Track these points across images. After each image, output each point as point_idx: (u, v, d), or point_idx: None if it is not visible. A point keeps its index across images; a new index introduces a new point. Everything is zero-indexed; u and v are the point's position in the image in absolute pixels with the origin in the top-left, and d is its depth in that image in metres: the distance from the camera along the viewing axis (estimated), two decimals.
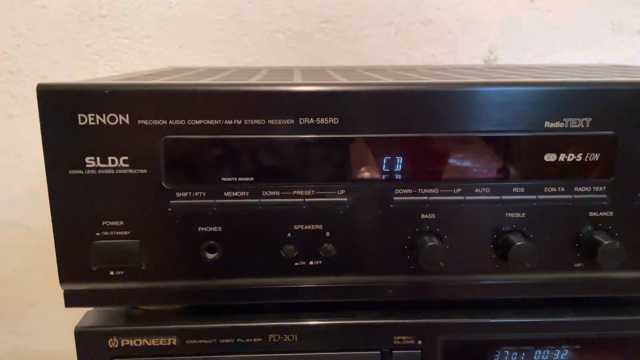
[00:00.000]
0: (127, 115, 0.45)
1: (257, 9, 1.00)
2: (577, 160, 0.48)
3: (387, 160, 0.48)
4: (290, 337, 0.52)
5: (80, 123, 0.45)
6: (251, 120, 0.46)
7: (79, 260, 0.48)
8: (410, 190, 0.49)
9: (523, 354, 0.54)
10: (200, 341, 0.51)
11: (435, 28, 1.05)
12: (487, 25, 1.04)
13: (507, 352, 0.54)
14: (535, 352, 0.54)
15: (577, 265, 0.51)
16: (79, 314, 0.53)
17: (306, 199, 0.48)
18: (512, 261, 0.49)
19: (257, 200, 0.48)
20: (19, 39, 0.96)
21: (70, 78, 0.91)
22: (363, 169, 0.48)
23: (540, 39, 1.05)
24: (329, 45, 1.03)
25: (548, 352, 0.54)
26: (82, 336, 0.50)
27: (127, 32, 1.02)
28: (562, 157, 0.48)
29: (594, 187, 0.49)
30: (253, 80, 0.51)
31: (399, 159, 0.48)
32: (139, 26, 1.01)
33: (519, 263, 0.49)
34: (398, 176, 0.49)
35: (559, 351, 0.54)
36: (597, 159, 0.48)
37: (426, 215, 0.49)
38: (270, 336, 0.51)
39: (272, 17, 1.01)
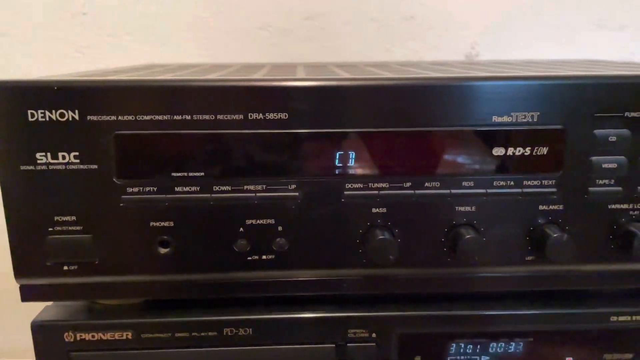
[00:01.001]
0: (76, 111, 0.46)
1: (240, 6, 1.00)
2: (525, 154, 0.49)
3: (337, 154, 0.49)
4: (245, 331, 0.52)
5: (30, 119, 0.46)
6: (200, 116, 0.47)
7: (34, 256, 0.49)
8: (360, 185, 0.49)
9: (478, 346, 0.54)
10: (156, 335, 0.52)
11: (417, 24, 1.05)
12: (469, 21, 1.04)
13: (462, 344, 0.54)
14: (490, 345, 0.54)
15: (529, 258, 0.51)
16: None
17: (257, 194, 0.49)
18: (461, 254, 0.49)
19: (208, 195, 0.48)
20: (1, 37, 0.97)
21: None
22: (313, 163, 0.49)
23: (523, 34, 1.05)
24: (310, 41, 1.04)
25: (503, 344, 0.54)
26: (39, 330, 0.51)
27: (109, 29, 1.02)
28: (510, 151, 0.49)
29: (543, 181, 0.50)
30: (220, 76, 0.52)
31: (349, 154, 0.49)
32: (121, 23, 1.01)
33: (468, 256, 0.49)
34: (348, 171, 0.49)
35: (513, 344, 0.54)
36: (545, 153, 0.49)
37: (377, 209, 0.50)
38: (225, 330, 0.52)
39: (254, 13, 1.01)
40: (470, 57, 1.08)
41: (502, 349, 0.54)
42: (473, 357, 0.55)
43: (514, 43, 1.05)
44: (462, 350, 0.54)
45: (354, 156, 0.49)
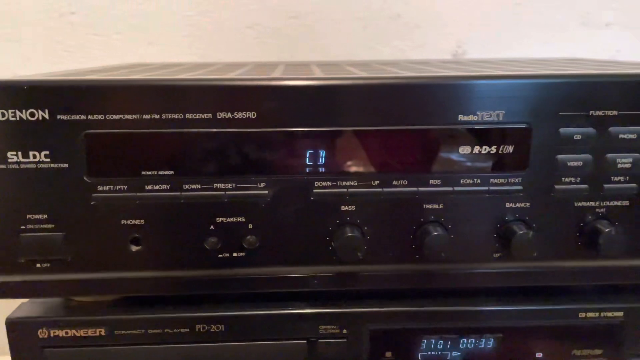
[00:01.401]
0: (46, 110, 0.47)
1: (227, 4, 1.01)
2: (491, 152, 0.49)
3: (306, 153, 0.49)
4: (217, 327, 0.53)
5: (0, 118, 0.46)
6: (169, 115, 0.47)
7: (7, 253, 0.49)
8: (329, 183, 0.50)
9: (449, 342, 0.55)
10: (129, 332, 0.52)
11: (403, 23, 1.05)
12: (455, 19, 1.05)
13: (433, 340, 0.55)
14: (461, 341, 0.55)
15: (496, 255, 0.52)
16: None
17: (227, 192, 0.49)
18: (428, 251, 0.50)
19: (178, 193, 0.49)
20: None
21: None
22: (282, 162, 0.49)
23: (508, 32, 1.05)
24: (298, 40, 1.04)
25: (473, 340, 0.55)
26: (13, 327, 0.52)
27: (97, 28, 1.03)
28: (476, 149, 0.49)
29: (509, 179, 0.50)
30: (197, 75, 0.52)
31: (318, 153, 0.49)
32: (108, 23, 1.02)
33: (434, 253, 0.50)
34: (317, 169, 0.50)
35: (483, 340, 0.55)
36: (511, 151, 0.49)
37: (346, 207, 0.51)
38: (198, 326, 0.53)
39: (241, 12, 1.02)
40: (456, 55, 1.09)
41: (472, 345, 0.55)
42: (444, 352, 0.55)
43: (501, 41, 1.06)
44: (433, 345, 0.55)
45: (322, 155, 0.49)
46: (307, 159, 0.49)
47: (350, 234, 0.49)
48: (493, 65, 0.65)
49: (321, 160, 0.49)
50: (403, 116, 0.49)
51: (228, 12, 1.02)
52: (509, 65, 0.64)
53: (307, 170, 0.50)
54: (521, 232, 0.50)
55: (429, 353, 0.55)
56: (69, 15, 1.03)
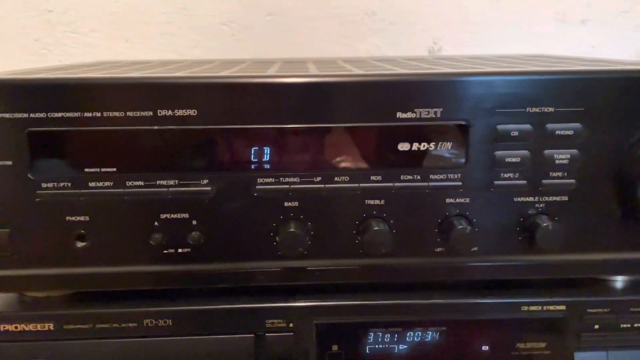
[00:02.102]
0: None
1: (203, 2, 1.01)
2: (430, 149, 0.50)
3: (247, 150, 0.50)
4: (165, 322, 0.54)
5: None
6: (110, 113, 0.48)
7: None
8: (272, 179, 0.51)
9: (395, 335, 0.56)
10: (77, 326, 0.53)
11: (379, 19, 1.06)
12: (431, 16, 1.05)
13: (380, 333, 0.56)
14: (407, 334, 0.56)
15: (438, 249, 0.53)
16: None
17: (170, 189, 0.50)
18: (369, 246, 0.51)
19: (122, 190, 0.50)
20: None
21: None
22: (224, 159, 0.50)
23: (484, 29, 1.06)
24: (274, 37, 1.05)
25: (420, 333, 0.56)
26: None
27: (74, 26, 1.03)
28: (415, 146, 0.50)
29: (449, 175, 0.51)
30: (131, 74, 0.53)
31: (260, 150, 0.50)
32: (85, 20, 1.02)
33: (376, 248, 0.51)
34: (259, 165, 0.50)
35: (430, 333, 0.56)
36: (449, 148, 0.50)
37: (289, 203, 0.51)
38: (146, 321, 0.53)
39: (217, 9, 1.02)
40: (432, 52, 1.10)
41: (419, 338, 0.56)
42: (391, 345, 0.56)
43: (476, 38, 1.07)
44: (380, 339, 0.56)
45: (264, 151, 0.50)
46: (250, 156, 0.50)
47: (292, 230, 0.50)
48: (455, 63, 0.66)
49: (263, 157, 0.50)
50: (343, 113, 0.50)
51: (204, 9, 1.03)
52: (468, 63, 0.64)
53: (250, 167, 0.50)
54: (460, 226, 0.50)
55: (377, 346, 0.56)
56: (47, 13, 1.03)
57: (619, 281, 0.59)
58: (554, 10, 1.06)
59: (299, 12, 1.04)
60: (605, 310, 0.55)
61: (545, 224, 0.50)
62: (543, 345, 0.56)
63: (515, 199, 0.52)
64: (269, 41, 1.05)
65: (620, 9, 1.06)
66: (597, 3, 1.06)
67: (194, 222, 0.51)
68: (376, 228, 0.50)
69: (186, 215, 0.51)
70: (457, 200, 0.52)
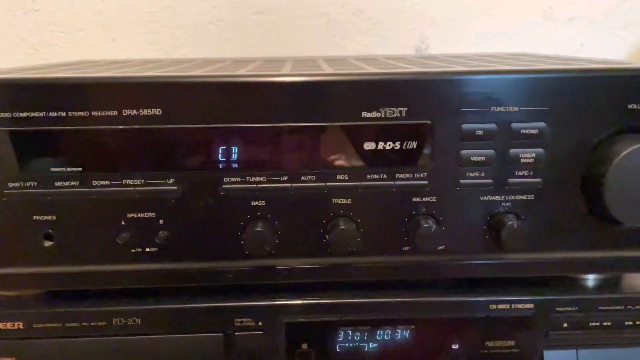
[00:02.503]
0: None
1: (189, 0, 1.02)
2: (395, 148, 0.50)
3: (213, 149, 0.50)
4: (134, 321, 0.54)
5: None
6: (75, 112, 0.48)
7: None
8: (238, 179, 0.51)
9: (365, 334, 0.56)
10: (47, 325, 0.53)
11: (366, 18, 1.06)
12: (417, 14, 1.05)
13: (350, 332, 0.56)
14: (377, 332, 0.56)
15: (406, 248, 0.53)
16: None
17: (136, 188, 0.50)
18: (335, 245, 0.51)
19: (88, 189, 0.50)
20: None
21: None
22: (190, 158, 0.50)
23: (471, 27, 1.06)
24: (262, 36, 1.05)
25: (389, 332, 0.56)
26: None
27: (61, 25, 1.04)
28: (381, 145, 0.50)
29: (415, 174, 0.51)
30: (103, 73, 0.53)
31: (226, 149, 0.50)
32: (72, 19, 1.03)
33: (341, 247, 0.51)
34: (225, 165, 0.51)
35: (399, 331, 0.56)
36: (415, 147, 0.50)
37: (256, 202, 0.51)
38: (115, 320, 0.54)
39: (203, 8, 1.02)
40: (420, 50, 1.10)
41: (388, 336, 0.56)
42: (361, 344, 0.56)
43: (464, 36, 1.07)
44: (350, 337, 0.56)
45: (230, 151, 0.50)
46: (215, 155, 0.50)
47: (258, 229, 0.50)
48: (433, 62, 0.66)
49: (229, 156, 0.50)
50: (310, 113, 0.50)
51: (190, 8, 1.03)
52: (446, 62, 0.64)
53: (216, 166, 0.51)
54: (425, 225, 0.51)
55: (347, 344, 0.56)
56: (33, 12, 1.04)
57: (591, 279, 0.59)
58: (541, 8, 1.06)
59: (286, 10, 1.04)
60: (573, 309, 0.55)
61: (510, 223, 0.50)
62: (512, 343, 0.56)
63: (481, 198, 0.52)
64: (256, 40, 1.05)
65: (609, 7, 1.06)
66: (584, 1, 1.05)
67: (161, 222, 0.51)
68: (342, 227, 0.51)
69: (153, 215, 0.51)
70: (424, 199, 0.52)
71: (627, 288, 0.58)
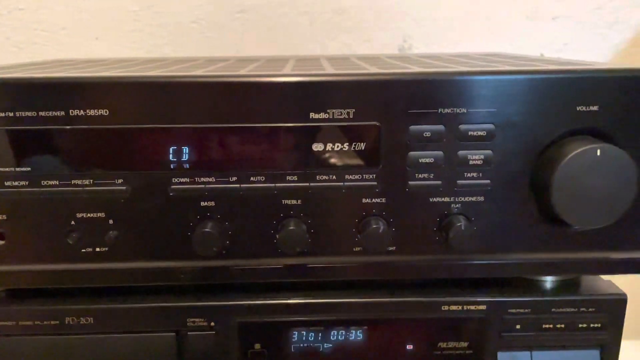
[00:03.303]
0: None
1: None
2: (344, 149, 0.50)
3: (162, 149, 0.50)
4: (87, 320, 0.54)
5: None
6: (22, 112, 0.48)
7: None
8: (187, 179, 0.51)
9: (320, 334, 0.56)
10: (0, 323, 0.54)
11: (349, 17, 1.06)
12: (400, 13, 1.05)
13: (304, 332, 0.56)
14: (331, 333, 0.56)
15: (356, 249, 0.53)
16: None
17: (85, 188, 0.51)
18: (284, 245, 0.51)
19: (37, 189, 0.50)
20: None
21: None
22: (138, 158, 0.50)
23: (455, 26, 1.06)
24: (244, 35, 1.05)
25: (344, 332, 0.56)
26: None
27: (44, 24, 1.04)
28: (329, 146, 0.50)
29: (363, 175, 0.51)
30: (49, 73, 0.53)
31: (174, 149, 0.50)
32: (55, 18, 1.03)
33: (290, 247, 0.51)
34: (174, 165, 0.51)
35: (354, 331, 0.56)
36: (363, 148, 0.50)
37: (206, 203, 0.52)
38: (67, 319, 0.54)
39: (186, 7, 1.02)
40: (403, 50, 1.10)
41: (343, 337, 0.56)
42: (316, 344, 0.57)
43: (447, 35, 1.06)
44: (304, 337, 0.56)
45: (179, 151, 0.50)
46: (164, 156, 0.50)
47: (207, 229, 0.50)
48: (401, 64, 0.66)
49: (178, 157, 0.51)
50: (259, 114, 0.50)
51: (173, 7, 1.03)
52: (415, 64, 0.64)
53: (164, 167, 0.51)
54: (374, 226, 0.51)
55: (301, 345, 0.56)
56: (18, 11, 1.04)
57: (549, 281, 0.59)
58: (524, 7, 1.06)
59: (269, 10, 1.04)
60: (526, 310, 0.55)
61: (458, 224, 0.50)
62: (465, 344, 0.56)
63: (431, 199, 0.52)
64: (239, 39, 1.05)
65: (594, 6, 1.06)
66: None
67: (111, 222, 0.52)
68: (291, 228, 0.51)
69: (102, 215, 0.51)
70: (373, 200, 0.52)
71: (586, 290, 0.58)
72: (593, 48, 1.08)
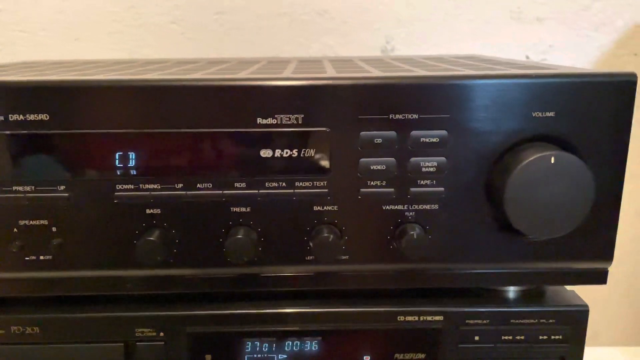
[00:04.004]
0: None
1: (151, 0, 1.00)
2: (293, 155, 0.49)
3: (105, 155, 0.49)
4: (33, 330, 0.53)
5: None
6: None
7: None
8: (131, 186, 0.50)
9: (274, 345, 0.55)
10: None
11: (330, 18, 1.05)
12: (383, 14, 1.04)
13: (258, 343, 0.55)
14: (286, 344, 0.55)
15: (309, 258, 0.51)
16: None
17: (27, 194, 0.49)
18: (231, 254, 0.49)
19: None
20: None
21: None
22: (80, 164, 0.49)
23: (438, 27, 1.04)
24: (225, 36, 1.04)
25: (299, 343, 0.55)
26: None
27: (23, 25, 1.03)
28: (278, 152, 0.49)
29: (314, 182, 0.50)
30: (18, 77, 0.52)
31: (118, 155, 0.49)
32: (35, 19, 1.02)
33: (237, 257, 0.49)
34: (118, 171, 0.49)
35: (309, 342, 0.55)
36: (313, 155, 0.49)
37: (151, 210, 0.50)
38: (13, 328, 0.53)
39: (165, 8, 1.01)
40: (386, 51, 1.08)
41: (298, 348, 0.55)
42: (270, 355, 0.55)
43: (430, 37, 1.05)
44: (257, 348, 0.55)
45: (123, 157, 0.49)
46: (107, 162, 0.49)
47: (151, 238, 0.49)
48: (369, 68, 0.64)
49: (122, 163, 0.49)
50: (205, 118, 0.48)
51: (153, 8, 1.02)
52: (387, 67, 0.63)
53: (108, 173, 0.49)
54: (325, 234, 0.49)
55: (254, 356, 0.55)
56: None
57: (512, 291, 0.57)
58: (508, 8, 1.04)
59: (249, 10, 1.03)
60: (485, 321, 0.54)
61: (410, 233, 0.49)
62: (422, 356, 0.55)
63: (384, 207, 0.50)
64: (219, 40, 1.04)
65: (579, 7, 1.04)
66: (553, 1, 1.04)
67: (54, 229, 0.50)
68: (239, 236, 0.49)
69: (45, 222, 0.50)
70: (325, 208, 0.50)
71: (550, 300, 0.56)
72: (578, 50, 1.07)
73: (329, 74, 0.52)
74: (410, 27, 1.04)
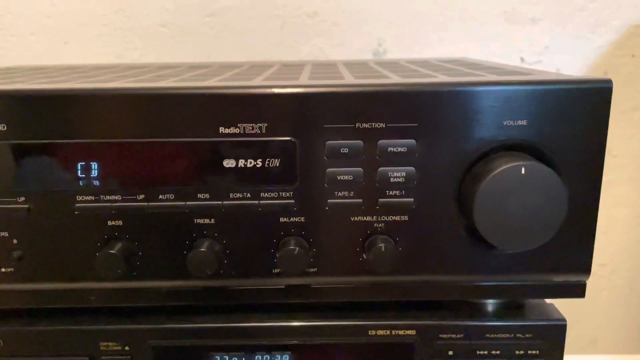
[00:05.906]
0: None
1: (140, 3, 1.00)
2: (257, 166, 0.47)
3: (65, 166, 0.48)
4: None
5: None
6: None
7: None
8: (92, 197, 0.48)
9: (243, 359, 0.53)
10: None
11: (321, 20, 1.04)
12: (374, 16, 1.03)
13: (226, 357, 0.53)
14: (255, 357, 0.53)
15: (276, 271, 0.50)
16: None
17: None
18: (191, 268, 0.48)
19: None
20: None
21: None
22: (39, 175, 0.48)
23: (430, 30, 1.03)
24: (215, 39, 1.03)
25: (268, 357, 0.53)
26: None
27: (12, 29, 1.02)
28: (241, 162, 0.47)
29: (280, 193, 0.48)
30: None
31: (78, 165, 0.48)
32: (23, 23, 1.01)
33: (199, 270, 0.48)
34: (78, 182, 0.48)
35: (278, 356, 0.53)
36: (278, 165, 0.47)
37: (113, 222, 0.49)
38: None
39: (154, 11, 1.01)
40: (378, 54, 1.07)
41: None
42: None
43: (423, 39, 1.04)
44: None
45: (83, 168, 0.48)
46: (67, 173, 0.48)
47: (112, 251, 0.48)
48: (349, 72, 0.63)
49: (82, 174, 0.48)
50: (167, 128, 0.47)
51: (142, 10, 1.01)
52: (370, 71, 0.62)
53: (68, 184, 0.48)
54: (290, 247, 0.48)
55: None
56: None
57: (490, 304, 0.55)
58: (502, 9, 1.03)
59: (239, 13, 1.02)
60: (459, 335, 0.52)
61: (379, 245, 0.47)
62: None
63: (352, 218, 0.49)
64: (209, 43, 1.03)
65: (574, 7, 1.03)
66: (548, 1, 1.02)
67: (15, 241, 0.49)
68: (201, 249, 0.48)
69: (6, 234, 0.49)
70: (292, 219, 0.49)
71: (529, 313, 0.55)
72: (575, 51, 1.05)
73: (300, 81, 0.51)
74: (402, 29, 1.03)
